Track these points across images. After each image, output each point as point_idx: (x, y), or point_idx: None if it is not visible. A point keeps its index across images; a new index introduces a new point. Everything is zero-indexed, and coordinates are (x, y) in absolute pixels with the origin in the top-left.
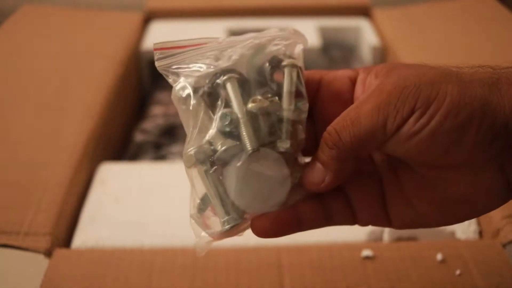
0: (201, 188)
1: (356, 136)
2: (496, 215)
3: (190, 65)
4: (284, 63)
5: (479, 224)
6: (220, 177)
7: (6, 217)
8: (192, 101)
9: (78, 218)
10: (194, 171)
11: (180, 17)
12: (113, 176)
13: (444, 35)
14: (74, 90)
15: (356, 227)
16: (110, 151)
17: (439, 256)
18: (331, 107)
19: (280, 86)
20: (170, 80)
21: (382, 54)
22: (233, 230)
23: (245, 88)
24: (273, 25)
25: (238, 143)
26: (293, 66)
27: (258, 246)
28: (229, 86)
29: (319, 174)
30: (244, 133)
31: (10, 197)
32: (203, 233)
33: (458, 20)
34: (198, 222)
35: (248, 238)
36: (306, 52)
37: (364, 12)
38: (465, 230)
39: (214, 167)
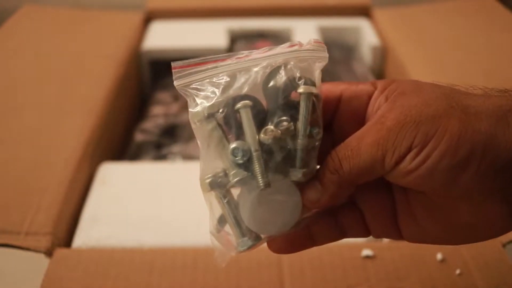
0: (218, 209)
1: (356, 167)
2: None
3: (206, 87)
4: (300, 90)
5: None
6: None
7: (6, 216)
8: (207, 127)
9: (78, 218)
10: (211, 195)
11: (180, 17)
12: (113, 176)
13: (444, 35)
14: (75, 90)
15: None
16: (111, 151)
17: (439, 256)
18: (349, 124)
19: (295, 111)
20: (188, 100)
21: (382, 54)
22: (251, 248)
23: (259, 115)
24: (273, 25)
25: (250, 174)
26: (309, 93)
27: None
28: (243, 114)
29: (316, 194)
30: (256, 168)
31: (10, 197)
32: (222, 252)
33: (458, 20)
34: (218, 239)
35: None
36: None
37: (364, 12)
38: None
39: (228, 196)
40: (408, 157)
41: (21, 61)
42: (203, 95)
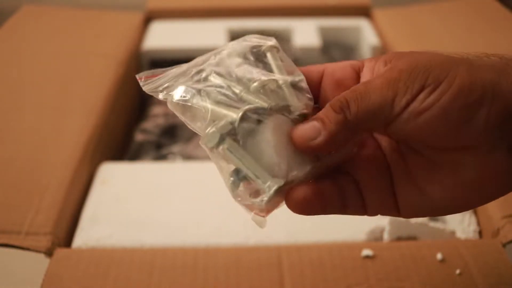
0: (230, 167)
1: (364, 108)
2: (495, 215)
3: (176, 80)
4: (263, 48)
5: (478, 223)
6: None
7: (7, 216)
8: (196, 100)
9: (78, 218)
10: (219, 153)
11: (180, 17)
12: (113, 176)
13: (444, 35)
14: (75, 90)
15: (356, 227)
16: (111, 151)
17: (439, 256)
18: (335, 95)
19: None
20: (161, 97)
21: (382, 54)
22: (277, 198)
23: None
24: (273, 25)
25: (255, 105)
26: (271, 47)
27: (259, 246)
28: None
29: (312, 131)
30: (257, 100)
31: (11, 196)
32: (252, 214)
33: (458, 20)
34: (243, 200)
35: (248, 237)
36: (306, 52)
37: (364, 12)
38: (465, 229)
39: (239, 144)
40: (421, 96)
41: (21, 61)
42: (176, 84)
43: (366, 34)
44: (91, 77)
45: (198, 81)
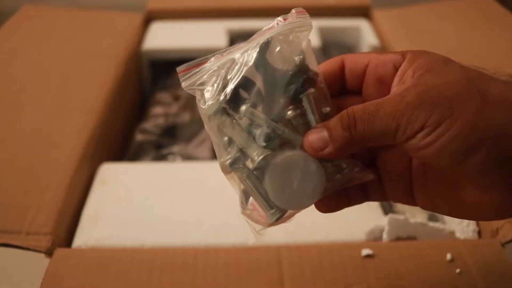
0: (240, 187)
1: (369, 132)
2: None
3: (209, 82)
4: (301, 95)
5: (478, 223)
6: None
7: (7, 216)
8: (219, 119)
9: (79, 217)
10: (233, 176)
11: (180, 17)
12: (113, 176)
13: (443, 36)
14: (75, 90)
15: (356, 227)
16: (111, 151)
17: (439, 255)
18: (375, 91)
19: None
20: (197, 98)
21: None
22: (280, 220)
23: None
24: None
25: (271, 152)
26: (307, 94)
27: (258, 245)
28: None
29: (321, 142)
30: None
31: (11, 196)
32: (256, 227)
33: (457, 21)
34: (250, 217)
35: (248, 237)
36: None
37: (363, 12)
38: (464, 229)
39: (249, 173)
40: (420, 135)
41: (21, 61)
42: (209, 91)
43: (366, 35)
44: (91, 77)
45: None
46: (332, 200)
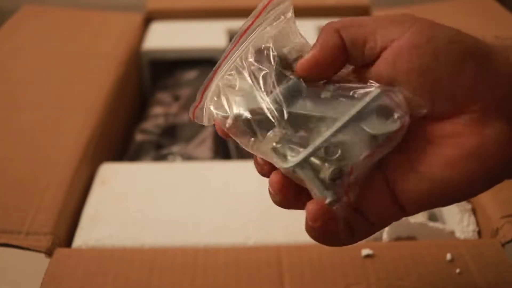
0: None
1: (353, 32)
2: (494, 215)
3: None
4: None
5: (478, 224)
6: None
7: (7, 216)
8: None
9: (79, 217)
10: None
11: (180, 17)
12: (113, 176)
13: None
14: (75, 90)
15: None
16: (111, 151)
17: (439, 255)
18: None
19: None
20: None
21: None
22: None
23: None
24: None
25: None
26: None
27: (258, 245)
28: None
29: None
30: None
31: (11, 196)
32: None
33: (457, 21)
34: None
35: (248, 237)
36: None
37: (363, 12)
38: (464, 229)
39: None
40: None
41: (21, 61)
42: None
43: None
44: (91, 77)
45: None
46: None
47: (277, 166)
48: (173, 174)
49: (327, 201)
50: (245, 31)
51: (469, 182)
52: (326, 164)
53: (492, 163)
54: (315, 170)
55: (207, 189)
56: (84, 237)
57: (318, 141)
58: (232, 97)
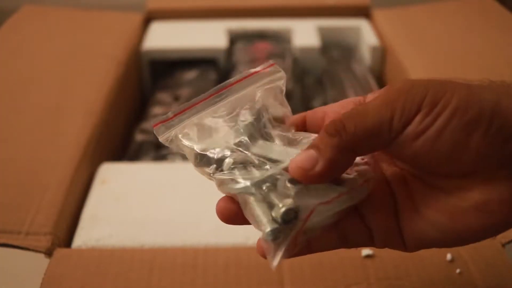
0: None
1: (361, 127)
2: None
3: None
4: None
5: None
6: None
7: (7, 216)
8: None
9: (78, 218)
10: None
11: (180, 17)
12: (113, 176)
13: (443, 36)
14: (75, 90)
15: None
16: (111, 151)
17: (439, 256)
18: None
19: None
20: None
21: (381, 54)
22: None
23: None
24: (273, 25)
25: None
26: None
27: None
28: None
29: (310, 160)
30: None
31: (10, 196)
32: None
33: (457, 21)
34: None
35: (248, 237)
36: (306, 52)
37: (363, 12)
38: None
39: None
40: (418, 118)
41: (21, 61)
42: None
43: (366, 35)
44: (91, 77)
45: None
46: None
47: (231, 191)
48: (173, 174)
49: (269, 238)
50: (232, 84)
51: (471, 233)
52: (280, 205)
53: (496, 218)
54: (269, 204)
55: (207, 189)
56: (84, 237)
57: (275, 170)
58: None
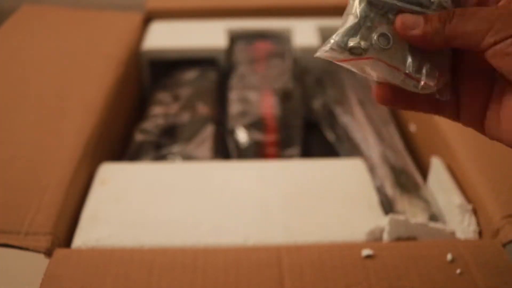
0: None
1: (461, 28)
2: (495, 215)
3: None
4: None
5: (478, 224)
6: None
7: (6, 216)
8: None
9: (78, 218)
10: None
11: (180, 17)
12: (113, 176)
13: None
14: (74, 90)
15: (356, 227)
16: (111, 151)
17: (439, 256)
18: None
19: None
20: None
21: None
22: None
23: None
24: (273, 25)
25: None
26: None
27: (258, 246)
28: None
29: (412, 22)
30: None
31: (10, 196)
32: None
33: None
34: None
35: (247, 237)
36: (306, 52)
37: None
38: (464, 230)
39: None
40: (509, 40)
41: (20, 61)
42: None
43: None
44: (91, 77)
45: None
46: (391, 91)
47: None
48: (173, 174)
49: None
50: None
51: None
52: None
53: None
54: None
55: (207, 189)
56: (83, 237)
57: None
58: None
